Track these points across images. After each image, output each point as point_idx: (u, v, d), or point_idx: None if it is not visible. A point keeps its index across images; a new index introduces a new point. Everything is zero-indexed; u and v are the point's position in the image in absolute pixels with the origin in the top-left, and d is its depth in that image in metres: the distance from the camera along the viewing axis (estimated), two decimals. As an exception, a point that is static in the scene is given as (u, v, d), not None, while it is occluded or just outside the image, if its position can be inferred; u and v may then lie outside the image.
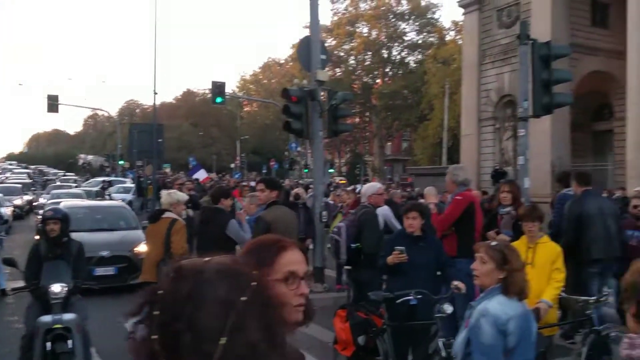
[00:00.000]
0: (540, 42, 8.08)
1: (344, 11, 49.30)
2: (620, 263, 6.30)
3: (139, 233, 10.15)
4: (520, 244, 4.90)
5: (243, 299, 0.97)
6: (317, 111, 9.35)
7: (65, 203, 12.29)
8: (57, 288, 4.82)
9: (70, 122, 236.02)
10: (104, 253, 9.18)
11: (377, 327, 4.55)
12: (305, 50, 9.57)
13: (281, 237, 1.71)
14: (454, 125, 34.04)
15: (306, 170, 36.53)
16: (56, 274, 4.84)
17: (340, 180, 43.91)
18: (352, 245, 5.94)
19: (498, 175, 19.36)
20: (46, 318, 4.76)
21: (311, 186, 13.06)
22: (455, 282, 4.48)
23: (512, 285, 2.97)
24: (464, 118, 26.88)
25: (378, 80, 50.32)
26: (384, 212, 7.82)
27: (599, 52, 23.13)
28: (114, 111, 78.58)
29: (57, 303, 4.82)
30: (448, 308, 4.27)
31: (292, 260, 1.61)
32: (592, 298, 4.73)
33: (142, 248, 9.62)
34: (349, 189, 13.04)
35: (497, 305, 2.96)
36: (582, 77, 22.17)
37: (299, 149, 38.58)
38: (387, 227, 7.25)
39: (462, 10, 26.96)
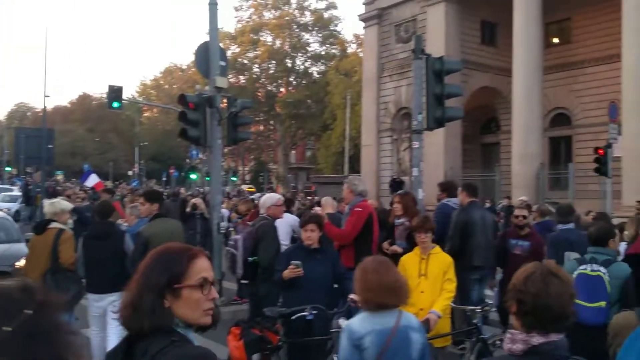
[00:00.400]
0: (433, 56, 8.40)
1: (248, 19, 49.12)
2: (504, 271, 6.70)
3: (22, 246, 9.36)
4: (413, 255, 5.00)
5: (6, 329, 0.92)
6: (215, 118, 9.13)
7: None
8: None
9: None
10: (-21, 270, 8.32)
11: (273, 344, 4.44)
12: (203, 56, 9.32)
13: (189, 246, 1.79)
14: (356, 135, 34.80)
15: (208, 179, 35.79)
16: None
17: (249, 188, 43.46)
18: (249, 258, 5.80)
19: (396, 185, 19.99)
20: None
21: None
22: (352, 295, 4.47)
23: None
24: (364, 129, 27.57)
25: (282, 89, 50.48)
26: (293, 222, 7.73)
27: (487, 69, 24.63)
28: (2, 114, 73.30)
29: None
30: (343, 322, 4.25)
31: (204, 267, 1.70)
32: (479, 307, 4.91)
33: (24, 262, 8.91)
34: (247, 199, 12.86)
35: (357, 320, 2.97)
36: (472, 92, 23.51)
37: (200, 156, 37.78)
38: (295, 238, 7.18)
39: (363, 24, 27.69)
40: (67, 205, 6.53)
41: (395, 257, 5.96)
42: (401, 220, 6.42)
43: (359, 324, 2.93)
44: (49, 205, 6.24)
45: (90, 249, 5.86)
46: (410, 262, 4.95)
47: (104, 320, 6.03)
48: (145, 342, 1.60)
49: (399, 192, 7.74)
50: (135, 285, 1.67)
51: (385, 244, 6.29)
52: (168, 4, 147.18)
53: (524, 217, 6.74)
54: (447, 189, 7.37)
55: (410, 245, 5.67)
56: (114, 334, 5.91)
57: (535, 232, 6.86)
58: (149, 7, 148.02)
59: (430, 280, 4.79)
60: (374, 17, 26.59)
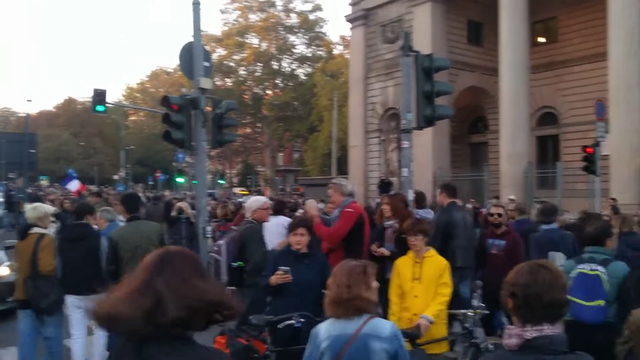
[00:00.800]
0: (422, 53, 8.27)
1: (234, 22, 48.86)
2: (484, 272, 6.60)
3: (0, 254, 9.15)
4: (407, 259, 4.84)
5: None
6: (200, 120, 8.91)
7: None
8: None
9: None
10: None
11: (260, 354, 4.25)
12: (187, 56, 9.11)
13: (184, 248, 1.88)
14: (343, 136, 34.65)
15: (195, 182, 35.56)
16: None
17: (241, 190, 43.16)
18: (234, 263, 5.61)
19: (384, 186, 19.87)
20: None
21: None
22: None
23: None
24: (351, 130, 27.47)
25: (269, 92, 50.26)
26: (287, 224, 7.53)
27: (474, 69, 24.63)
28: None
29: None
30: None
31: None
32: (471, 311, 4.76)
33: (3, 271, 8.68)
34: (226, 203, 12.69)
35: (324, 324, 2.97)
36: (459, 92, 23.48)
37: (187, 159, 37.47)
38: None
39: (349, 25, 27.60)
40: (50, 209, 6.50)
41: (385, 260, 5.82)
42: (390, 222, 6.26)
43: (324, 329, 2.94)
44: (31, 209, 6.19)
45: (66, 251, 5.84)
46: (404, 266, 4.79)
47: (84, 323, 5.95)
48: (154, 346, 1.59)
49: (389, 193, 7.59)
50: (171, 288, 1.62)
51: (374, 246, 6.13)
52: (155, 6, 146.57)
53: (499, 215, 6.68)
54: (416, 199, 7.26)
55: (399, 248, 5.52)
56: (102, 337, 5.90)
57: (512, 231, 6.81)
58: (136, 10, 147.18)
59: (424, 284, 4.63)
60: (360, 17, 26.50)
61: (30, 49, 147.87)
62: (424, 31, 22.77)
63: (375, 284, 3.03)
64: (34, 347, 5.93)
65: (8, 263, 8.93)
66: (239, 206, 11.17)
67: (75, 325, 5.94)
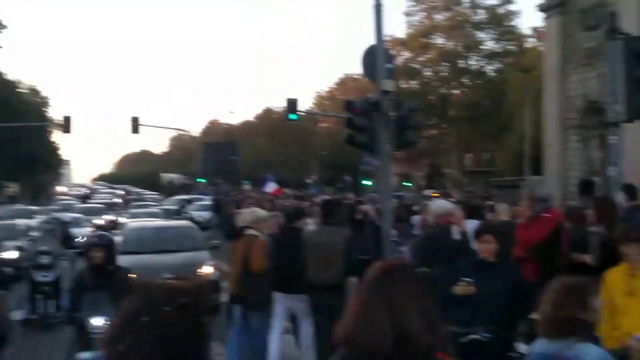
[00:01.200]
0: (633, 35, 7.23)
1: (419, 23, 48.56)
2: None
3: (205, 254, 9.98)
4: (620, 271, 4.24)
5: (166, 308, 1.33)
6: (383, 123, 8.84)
7: (132, 224, 12.22)
8: (97, 321, 4.56)
9: (157, 143, 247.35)
10: (166, 276, 8.93)
11: (444, 367, 3.99)
12: (369, 59, 9.12)
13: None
14: (537, 134, 32.40)
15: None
16: (97, 305, 4.59)
17: (432, 193, 42.80)
18: (418, 269, 5.40)
19: (586, 186, 17.97)
20: (85, 355, 4.45)
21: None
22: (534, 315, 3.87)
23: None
24: (546, 127, 25.66)
25: (455, 91, 49.04)
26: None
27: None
28: (198, 131, 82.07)
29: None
30: (520, 347, 3.68)
31: None
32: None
33: (207, 269, 9.47)
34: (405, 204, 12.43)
35: (538, 341, 2.88)
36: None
37: (375, 162, 38.02)
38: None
39: (541, 16, 25.78)
40: (265, 214, 7.05)
41: (589, 272, 5.15)
42: (594, 228, 5.55)
43: (535, 347, 2.88)
44: (248, 213, 6.81)
45: (276, 251, 6.29)
46: (615, 279, 4.19)
47: (283, 319, 6.40)
48: None
49: (591, 194, 6.77)
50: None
51: (576, 255, 5.47)
52: (348, 16, 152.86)
53: None
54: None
55: (607, 258, 4.84)
56: (308, 338, 6.26)
57: None
58: (325, 21, 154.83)
59: (639, 300, 3.98)
60: (555, 5, 24.55)
61: (232, 64, 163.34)
62: (632, 14, 20.18)
63: (597, 303, 2.77)
64: (240, 340, 6.39)
65: (212, 262, 9.75)
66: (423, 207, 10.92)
67: (275, 320, 6.27)
